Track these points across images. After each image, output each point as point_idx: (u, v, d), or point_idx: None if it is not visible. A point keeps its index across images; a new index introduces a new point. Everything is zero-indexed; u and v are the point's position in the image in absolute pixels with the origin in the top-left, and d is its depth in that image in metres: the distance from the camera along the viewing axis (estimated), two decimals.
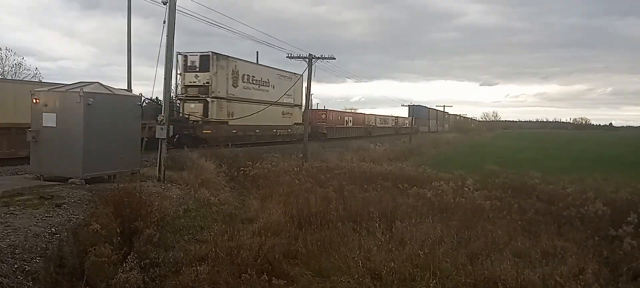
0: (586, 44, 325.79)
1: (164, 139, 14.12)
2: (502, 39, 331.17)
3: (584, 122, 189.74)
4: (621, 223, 11.21)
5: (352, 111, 56.44)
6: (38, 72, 37.13)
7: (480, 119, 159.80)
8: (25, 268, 6.52)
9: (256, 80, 29.78)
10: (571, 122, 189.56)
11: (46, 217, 8.39)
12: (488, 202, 13.51)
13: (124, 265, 7.15)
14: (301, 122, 32.88)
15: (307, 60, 25.77)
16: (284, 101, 31.71)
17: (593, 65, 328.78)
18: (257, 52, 37.43)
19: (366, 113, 56.72)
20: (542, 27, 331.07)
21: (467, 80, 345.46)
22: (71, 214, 8.90)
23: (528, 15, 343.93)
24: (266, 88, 30.75)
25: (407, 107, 66.07)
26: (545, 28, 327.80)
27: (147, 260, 7.94)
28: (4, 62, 35.57)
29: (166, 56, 14.41)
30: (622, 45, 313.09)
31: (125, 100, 13.28)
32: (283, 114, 33.46)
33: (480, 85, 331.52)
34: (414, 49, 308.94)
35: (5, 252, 6.65)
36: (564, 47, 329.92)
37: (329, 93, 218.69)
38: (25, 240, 7.14)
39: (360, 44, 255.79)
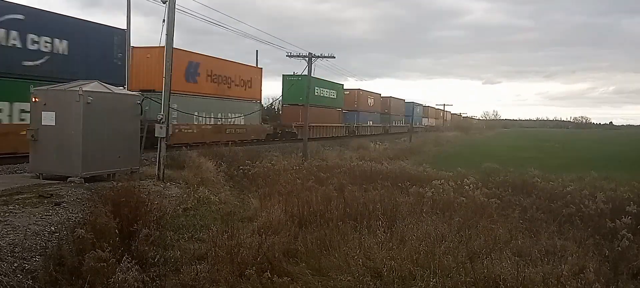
0: (591, 42, 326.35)
1: (164, 137, 14.13)
2: (506, 37, 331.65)
3: (584, 121, 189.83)
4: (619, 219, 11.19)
5: None
6: None
7: (480, 118, 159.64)
8: (25, 266, 6.51)
9: None
10: (572, 121, 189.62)
11: (45, 215, 8.38)
12: (491, 199, 13.49)
13: (123, 264, 7.11)
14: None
15: (307, 59, 25.86)
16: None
17: (597, 63, 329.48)
18: (257, 50, 37.22)
19: None
20: (547, 25, 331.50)
21: (470, 78, 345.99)
22: (70, 213, 8.89)
23: (533, 13, 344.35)
24: None
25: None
26: (550, 26, 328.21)
27: (146, 259, 7.90)
28: None
29: (166, 55, 14.39)
30: (628, 43, 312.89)
31: (124, 99, 13.25)
32: None
33: (483, 83, 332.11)
34: (417, 47, 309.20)
35: (5, 250, 6.63)
36: (569, 45, 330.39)
37: None
38: (25, 239, 7.12)
39: (363, 42, 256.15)
